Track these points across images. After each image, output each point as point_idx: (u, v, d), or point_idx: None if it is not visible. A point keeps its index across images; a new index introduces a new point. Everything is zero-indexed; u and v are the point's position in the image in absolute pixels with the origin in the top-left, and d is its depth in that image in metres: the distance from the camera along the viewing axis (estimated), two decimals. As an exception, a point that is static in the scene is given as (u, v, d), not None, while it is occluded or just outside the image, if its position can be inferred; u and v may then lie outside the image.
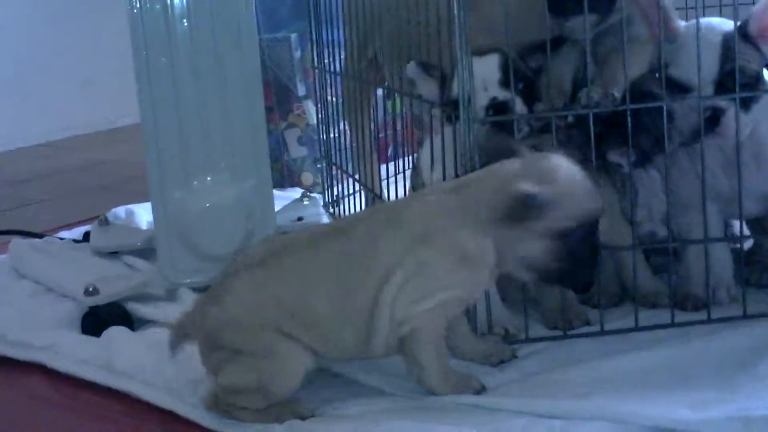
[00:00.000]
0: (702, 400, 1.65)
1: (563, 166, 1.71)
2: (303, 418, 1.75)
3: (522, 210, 1.65)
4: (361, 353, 1.76)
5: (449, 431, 1.63)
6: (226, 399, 1.76)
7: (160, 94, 2.31)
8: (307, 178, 3.44)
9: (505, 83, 1.99)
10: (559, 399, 1.71)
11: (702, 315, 2.02)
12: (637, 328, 2.00)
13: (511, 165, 1.72)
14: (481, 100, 1.97)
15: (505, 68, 1.98)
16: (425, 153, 2.15)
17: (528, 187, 1.65)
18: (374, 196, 2.86)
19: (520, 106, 1.99)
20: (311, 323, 1.72)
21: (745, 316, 2.01)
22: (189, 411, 1.83)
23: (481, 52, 1.99)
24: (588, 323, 2.05)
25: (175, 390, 1.89)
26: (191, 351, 1.93)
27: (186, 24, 2.31)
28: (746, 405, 1.61)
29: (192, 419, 1.81)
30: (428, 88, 2.09)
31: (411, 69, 2.10)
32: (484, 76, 1.98)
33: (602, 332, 1.99)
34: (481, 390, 1.77)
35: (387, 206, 1.90)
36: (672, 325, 1.99)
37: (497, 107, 1.98)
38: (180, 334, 1.82)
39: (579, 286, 1.79)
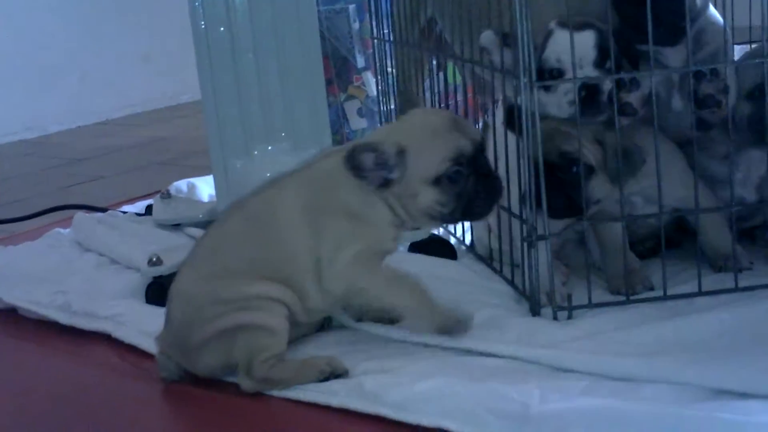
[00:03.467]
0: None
1: (419, 116, 1.92)
2: (338, 374, 1.82)
3: (353, 168, 1.79)
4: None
5: (507, 391, 1.66)
6: (255, 362, 1.83)
7: (219, 64, 2.36)
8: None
9: (600, 64, 1.97)
10: (622, 358, 1.74)
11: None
12: (700, 293, 2.00)
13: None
14: (571, 83, 1.95)
15: (601, 47, 1.96)
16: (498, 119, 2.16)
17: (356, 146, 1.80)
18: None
19: (609, 89, 1.96)
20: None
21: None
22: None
23: (577, 26, 1.95)
24: (652, 288, 2.06)
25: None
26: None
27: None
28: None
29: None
30: (505, 57, 2.06)
31: (487, 38, 2.08)
32: (579, 53, 1.94)
33: (665, 297, 2.01)
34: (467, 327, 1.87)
35: (289, 173, 1.98)
36: (736, 289, 2.00)
37: (589, 89, 1.95)
38: (165, 358, 1.93)
39: (479, 217, 1.94)
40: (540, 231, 1.95)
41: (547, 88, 1.97)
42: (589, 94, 1.95)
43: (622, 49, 1.99)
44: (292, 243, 1.86)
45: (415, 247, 2.39)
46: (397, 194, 1.83)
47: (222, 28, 2.36)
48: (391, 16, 2.99)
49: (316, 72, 2.41)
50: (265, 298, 1.84)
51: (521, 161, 1.99)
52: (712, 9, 2.09)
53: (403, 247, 2.41)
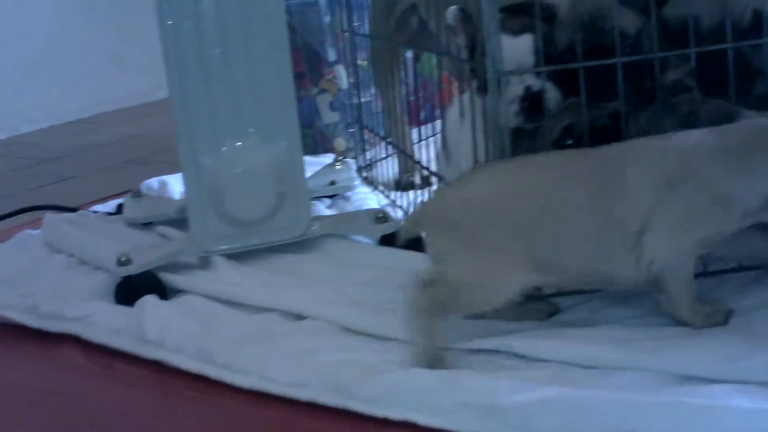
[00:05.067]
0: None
1: None
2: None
3: None
4: (587, 277, 1.86)
5: (475, 382, 1.69)
6: (437, 297, 1.80)
7: (187, 59, 2.37)
8: (340, 143, 3.49)
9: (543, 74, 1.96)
10: (591, 345, 1.78)
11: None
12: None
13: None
14: (515, 89, 1.96)
15: (542, 50, 1.95)
16: (453, 110, 2.19)
17: None
18: (407, 160, 2.92)
19: (554, 96, 1.97)
20: (552, 228, 1.80)
21: None
22: (221, 373, 1.91)
23: (515, 30, 1.96)
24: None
25: (207, 354, 1.95)
26: (224, 315, 2.03)
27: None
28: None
29: (226, 381, 1.89)
30: (463, 38, 2.04)
31: (452, 14, 2.04)
32: (518, 59, 1.95)
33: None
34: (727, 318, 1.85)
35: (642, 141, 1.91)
36: (705, 274, 2.01)
37: (532, 98, 1.96)
38: (413, 222, 1.96)
39: None
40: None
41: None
42: (532, 102, 1.97)
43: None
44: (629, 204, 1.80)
45: (384, 240, 2.41)
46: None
47: (189, 24, 2.37)
48: (368, 8, 3.01)
49: (285, 67, 2.42)
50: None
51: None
52: None
53: (371, 240, 2.44)
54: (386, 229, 2.41)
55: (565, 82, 1.98)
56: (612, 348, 1.76)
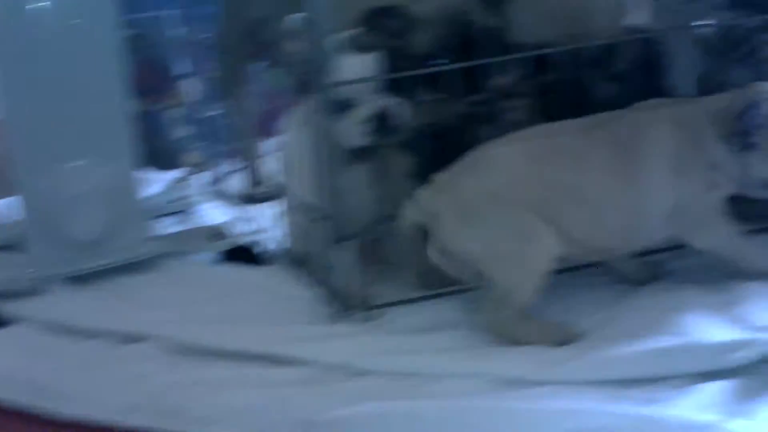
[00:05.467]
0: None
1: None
2: (570, 340, 1.82)
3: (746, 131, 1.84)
4: (618, 244, 1.91)
5: (299, 400, 1.68)
6: (504, 311, 1.83)
7: (18, 79, 2.32)
8: (191, 157, 3.46)
9: (389, 86, 1.98)
10: (416, 355, 1.80)
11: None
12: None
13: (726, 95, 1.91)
14: (366, 108, 1.97)
15: (389, 69, 1.96)
16: (293, 122, 2.17)
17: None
18: (256, 172, 2.90)
19: (404, 113, 1.99)
20: (578, 202, 1.84)
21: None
22: (50, 404, 1.86)
23: (362, 47, 1.97)
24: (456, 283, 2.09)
25: (35, 385, 1.91)
26: (56, 343, 1.98)
27: (39, 5, 2.32)
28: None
29: (55, 411, 1.84)
30: (302, 51, 2.01)
31: (289, 24, 2.05)
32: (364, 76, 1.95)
33: (472, 288, 2.04)
34: None
35: (651, 107, 1.97)
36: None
37: (380, 118, 1.97)
38: (416, 211, 1.91)
39: None
40: (343, 231, 1.97)
41: (337, 116, 1.97)
42: (380, 120, 1.98)
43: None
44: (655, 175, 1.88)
45: (223, 256, 2.38)
46: (747, 161, 1.88)
47: (21, 44, 2.32)
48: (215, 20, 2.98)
49: (118, 87, 2.39)
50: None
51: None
52: None
53: (209, 256, 2.41)
54: (224, 245, 2.39)
55: (419, 87, 2.01)
56: (438, 356, 1.78)
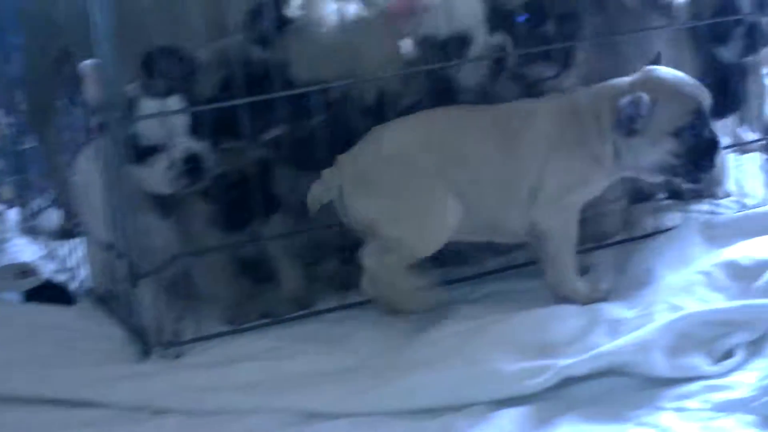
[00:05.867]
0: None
1: (660, 72, 2.01)
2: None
3: (628, 118, 1.93)
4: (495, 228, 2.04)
5: None
6: (387, 257, 1.95)
7: None
8: (5, 191, 3.38)
9: (195, 129, 1.98)
10: (219, 392, 1.79)
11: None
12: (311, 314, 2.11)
13: (618, 81, 2.03)
14: (176, 154, 1.96)
15: (195, 114, 1.97)
16: (84, 158, 2.14)
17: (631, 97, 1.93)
18: (67, 207, 2.84)
19: (209, 156, 1.99)
20: (465, 169, 1.97)
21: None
22: None
23: (160, 93, 1.97)
24: (267, 316, 2.11)
25: None
26: None
27: None
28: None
29: None
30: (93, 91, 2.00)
31: (83, 68, 2.00)
32: (171, 122, 1.95)
33: (278, 321, 2.08)
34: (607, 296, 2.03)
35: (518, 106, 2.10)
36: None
37: (192, 160, 1.97)
38: (321, 189, 2.00)
39: (704, 171, 2.03)
40: (142, 269, 1.96)
41: (145, 163, 1.97)
42: (193, 164, 1.98)
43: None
44: (525, 163, 1.99)
45: (29, 295, 2.33)
46: (635, 145, 1.96)
47: None
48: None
49: None
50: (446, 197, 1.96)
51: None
52: None
53: (15, 296, 2.35)
54: (32, 283, 2.34)
55: (216, 133, 2.01)
56: (242, 392, 1.78)
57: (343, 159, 2.01)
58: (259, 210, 2.06)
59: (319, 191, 2.01)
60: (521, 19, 2.23)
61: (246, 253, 2.16)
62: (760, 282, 1.94)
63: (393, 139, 2.01)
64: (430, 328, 1.95)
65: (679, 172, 2.00)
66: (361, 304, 2.11)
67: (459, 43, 2.14)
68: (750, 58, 2.43)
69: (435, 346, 1.87)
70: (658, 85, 1.98)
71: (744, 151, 2.63)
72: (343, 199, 2.00)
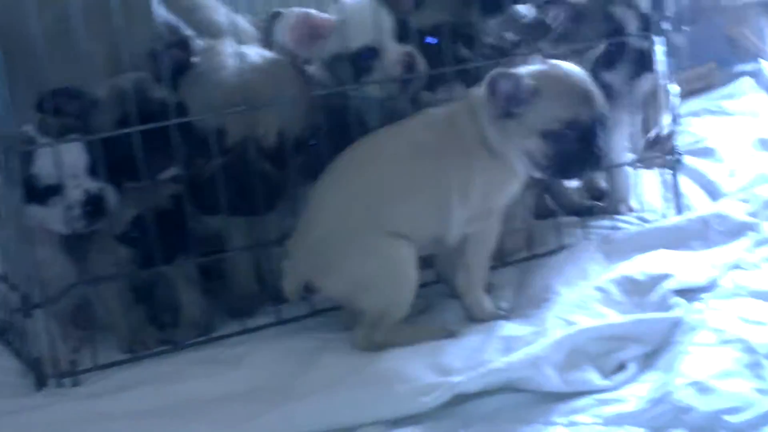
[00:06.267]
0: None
1: (560, 68, 2.00)
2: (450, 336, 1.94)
3: (504, 97, 1.92)
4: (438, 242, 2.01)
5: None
6: (379, 328, 1.93)
7: None
8: None
9: (94, 170, 1.97)
10: (110, 421, 1.78)
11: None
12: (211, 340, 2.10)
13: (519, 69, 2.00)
14: (75, 194, 1.95)
15: (92, 155, 1.96)
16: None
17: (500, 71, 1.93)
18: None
19: (110, 196, 1.99)
20: (394, 202, 1.96)
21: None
22: None
23: (57, 132, 1.95)
24: (167, 342, 2.10)
25: None
26: None
27: None
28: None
29: None
30: None
31: None
32: (71, 164, 1.94)
33: (178, 348, 2.07)
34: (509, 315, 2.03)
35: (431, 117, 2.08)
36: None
37: (91, 201, 1.96)
38: (291, 282, 1.98)
39: (568, 178, 2.12)
40: (35, 299, 1.94)
41: (44, 203, 1.95)
42: (94, 204, 1.96)
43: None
44: (448, 175, 1.97)
45: None
46: (510, 130, 1.94)
47: None
48: None
49: None
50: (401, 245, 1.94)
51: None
52: None
53: None
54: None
55: (117, 173, 2.00)
56: (135, 421, 1.77)
57: (293, 245, 2.01)
58: (177, 248, 2.06)
59: (290, 287, 2.00)
60: (430, 41, 2.26)
61: (144, 281, 2.14)
62: (654, 296, 1.97)
63: (325, 206, 1.99)
64: (326, 352, 1.95)
65: (546, 173, 2.00)
66: (260, 328, 2.11)
67: (371, 54, 2.17)
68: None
69: (331, 369, 1.86)
70: (549, 80, 1.96)
71: (648, 167, 2.66)
72: (314, 284, 1.99)
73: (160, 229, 2.03)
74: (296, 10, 2.22)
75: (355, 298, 1.96)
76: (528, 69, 2.00)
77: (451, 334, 1.95)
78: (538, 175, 2.02)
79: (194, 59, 2.12)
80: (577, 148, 1.95)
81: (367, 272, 1.94)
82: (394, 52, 2.17)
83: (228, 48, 2.15)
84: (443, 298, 2.14)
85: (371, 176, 1.99)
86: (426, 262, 2.08)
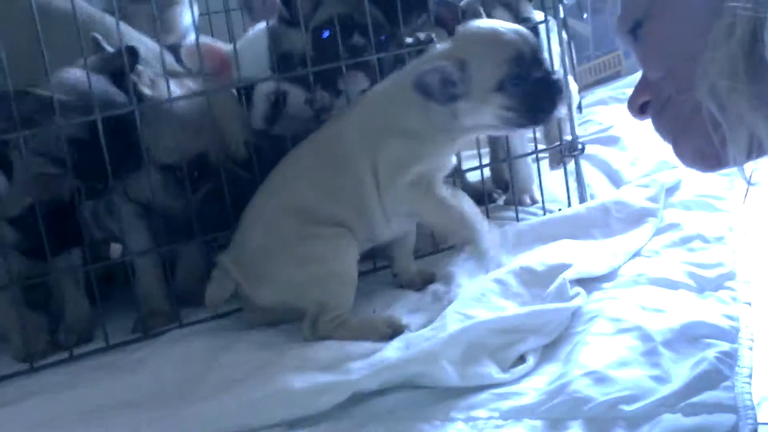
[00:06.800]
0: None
1: (474, 28, 1.99)
2: (399, 332, 1.91)
3: (423, 92, 1.91)
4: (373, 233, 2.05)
5: None
6: (322, 319, 1.93)
7: None
8: None
9: None
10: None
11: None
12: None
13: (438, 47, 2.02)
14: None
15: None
16: None
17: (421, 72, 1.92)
18: None
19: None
20: (327, 202, 1.99)
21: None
22: None
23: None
24: (58, 348, 2.09)
25: None
26: None
27: None
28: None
29: None
30: None
31: None
32: None
33: (71, 359, 2.05)
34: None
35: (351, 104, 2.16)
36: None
37: None
38: (216, 292, 2.01)
39: (546, 116, 1.96)
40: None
41: None
42: None
43: None
44: (358, 168, 1.99)
45: None
46: (466, 108, 1.92)
47: None
48: None
49: None
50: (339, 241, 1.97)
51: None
52: None
53: None
54: None
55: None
56: (30, 429, 1.74)
57: (223, 258, 2.01)
58: (67, 240, 2.07)
59: (214, 295, 2.01)
60: (324, 35, 2.26)
61: (34, 286, 2.12)
62: (552, 287, 1.97)
63: (257, 219, 2.02)
64: (228, 353, 1.93)
65: (521, 123, 1.95)
66: (162, 333, 2.09)
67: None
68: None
69: (231, 370, 1.84)
70: (468, 44, 1.95)
71: (551, 159, 2.67)
72: (245, 294, 2.01)
73: (53, 220, 2.02)
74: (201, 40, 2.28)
75: (294, 303, 1.97)
76: (440, 49, 1.99)
77: (400, 328, 1.93)
78: (519, 129, 2.04)
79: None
80: (534, 79, 1.91)
81: (304, 278, 1.96)
82: (295, 96, 2.24)
83: (170, 82, 2.15)
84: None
85: (294, 186, 2.01)
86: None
